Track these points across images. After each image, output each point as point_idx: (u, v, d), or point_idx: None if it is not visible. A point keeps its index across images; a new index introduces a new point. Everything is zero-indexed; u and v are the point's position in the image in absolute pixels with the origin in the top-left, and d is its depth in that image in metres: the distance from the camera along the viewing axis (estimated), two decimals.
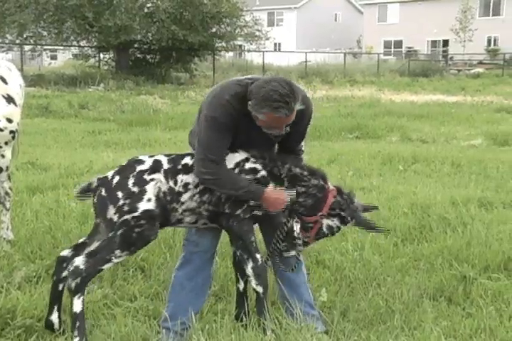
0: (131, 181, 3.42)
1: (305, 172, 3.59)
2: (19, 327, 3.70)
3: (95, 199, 3.51)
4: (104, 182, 3.48)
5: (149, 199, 3.40)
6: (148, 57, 30.86)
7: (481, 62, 45.58)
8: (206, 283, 3.87)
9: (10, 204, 5.43)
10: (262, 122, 3.41)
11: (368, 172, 8.83)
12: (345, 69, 37.09)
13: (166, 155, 3.58)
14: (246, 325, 3.54)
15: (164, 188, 3.44)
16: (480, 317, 3.85)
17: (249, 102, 3.38)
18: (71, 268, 3.42)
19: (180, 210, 3.49)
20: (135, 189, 3.40)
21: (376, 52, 47.56)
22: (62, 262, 3.58)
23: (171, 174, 3.48)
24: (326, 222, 3.59)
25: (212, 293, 4.26)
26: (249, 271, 3.53)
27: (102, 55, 30.48)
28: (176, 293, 3.75)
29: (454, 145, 12.18)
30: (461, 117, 16.51)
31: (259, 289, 3.52)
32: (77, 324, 3.37)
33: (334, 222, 3.61)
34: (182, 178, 3.48)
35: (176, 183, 3.47)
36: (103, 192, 3.45)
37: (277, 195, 3.47)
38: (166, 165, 3.50)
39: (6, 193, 5.38)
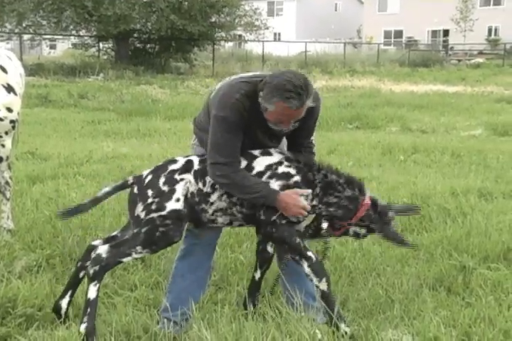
0: (162, 180, 3.42)
1: (341, 181, 3.51)
2: (20, 316, 3.71)
3: (128, 197, 3.53)
4: (138, 180, 3.51)
5: (178, 199, 3.38)
6: (147, 46, 30.77)
7: (481, 52, 45.47)
8: (207, 274, 3.88)
9: (10, 193, 5.43)
10: (270, 114, 3.34)
11: (368, 162, 8.83)
12: (345, 60, 36.99)
13: (198, 156, 3.55)
14: (246, 314, 3.54)
15: (192, 189, 3.42)
16: (479, 307, 3.86)
17: (261, 93, 3.33)
18: (93, 255, 3.45)
19: (210, 211, 3.46)
20: (165, 188, 3.40)
21: (376, 42, 47.44)
22: (91, 251, 3.58)
23: (201, 175, 3.45)
24: (353, 228, 3.58)
25: (212, 283, 4.27)
26: (307, 270, 3.45)
27: (101, 45, 30.38)
28: (177, 283, 3.75)
29: (453, 135, 12.18)
30: (461, 107, 16.49)
31: (323, 286, 3.43)
32: (88, 310, 3.38)
33: (361, 231, 3.59)
34: (209, 179, 3.44)
35: (204, 184, 3.44)
36: (135, 190, 3.48)
37: (292, 200, 3.36)
38: (196, 166, 3.47)
39: (6, 183, 5.38)
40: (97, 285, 3.40)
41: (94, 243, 3.65)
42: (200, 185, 3.44)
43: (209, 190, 3.44)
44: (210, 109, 3.49)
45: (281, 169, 3.45)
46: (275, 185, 3.42)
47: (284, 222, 3.44)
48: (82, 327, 3.36)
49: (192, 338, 3.31)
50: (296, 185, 3.43)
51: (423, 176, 7.76)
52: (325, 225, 3.53)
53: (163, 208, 3.36)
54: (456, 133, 12.47)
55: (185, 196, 3.40)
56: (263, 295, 3.94)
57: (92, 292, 3.39)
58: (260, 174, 3.43)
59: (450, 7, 46.68)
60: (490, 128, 12.79)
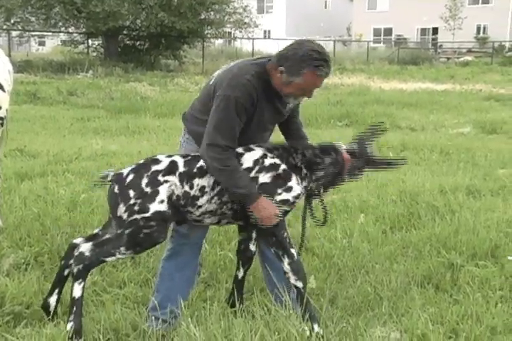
0: (144, 181, 3.33)
1: (316, 151, 3.52)
2: (8, 313, 3.70)
3: (108, 195, 3.45)
4: (118, 178, 3.40)
5: (162, 201, 3.31)
6: (137, 43, 30.63)
7: (470, 51, 45.62)
8: (194, 272, 3.87)
9: None
10: (294, 87, 3.30)
11: None
12: (334, 57, 36.92)
13: (182, 157, 3.45)
14: (235, 311, 3.55)
15: (178, 192, 3.34)
16: (467, 304, 3.88)
17: (281, 68, 3.29)
18: (76, 254, 3.43)
19: (197, 213, 3.41)
20: (148, 189, 3.31)
21: (366, 40, 47.50)
22: (73, 249, 3.56)
23: (187, 177, 3.36)
24: (347, 178, 3.64)
25: (201, 280, 4.27)
26: (286, 267, 3.45)
27: (90, 42, 30.25)
28: (165, 283, 3.73)
29: (442, 133, 12.23)
30: (449, 105, 16.56)
31: (299, 284, 3.45)
32: (74, 309, 3.37)
33: (355, 175, 3.67)
34: (198, 182, 3.36)
35: (191, 187, 3.36)
36: (116, 189, 3.37)
37: (267, 206, 3.34)
38: (181, 168, 3.38)
39: None
40: (82, 283, 3.37)
41: (76, 241, 3.62)
42: (187, 187, 3.35)
43: (197, 193, 3.36)
44: (213, 95, 3.40)
45: (267, 161, 3.43)
46: (266, 177, 3.40)
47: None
48: (69, 325, 3.35)
49: (181, 335, 3.30)
50: (285, 172, 3.43)
51: (412, 174, 7.79)
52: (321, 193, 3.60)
53: (147, 209, 3.29)
54: (445, 131, 12.52)
55: (170, 198, 3.32)
56: (252, 293, 3.94)
57: (77, 290, 3.37)
58: (249, 170, 3.41)
59: (439, 5, 46.80)
60: (478, 126, 12.85)
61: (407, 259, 4.77)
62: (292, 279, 3.46)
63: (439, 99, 17.78)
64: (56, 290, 3.65)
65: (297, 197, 3.47)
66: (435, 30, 52.97)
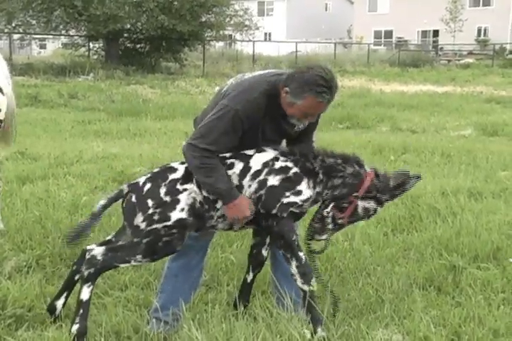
0: (163, 190, 3.35)
1: (339, 161, 3.50)
2: (9, 316, 3.70)
3: (124, 204, 3.45)
4: (134, 188, 3.41)
5: (182, 209, 3.32)
6: (138, 46, 30.65)
7: (470, 53, 45.67)
8: (200, 275, 3.87)
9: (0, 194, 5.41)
10: (296, 109, 3.36)
11: None
12: (335, 60, 37.00)
13: None
14: (237, 314, 3.54)
15: (199, 198, 3.37)
16: (469, 306, 3.88)
17: (286, 88, 3.33)
18: (88, 257, 3.41)
19: (215, 217, 3.43)
20: (167, 198, 3.33)
21: (366, 43, 47.51)
22: (85, 254, 3.54)
23: None
24: (361, 203, 3.51)
25: (203, 283, 4.26)
26: (293, 269, 3.44)
27: (91, 45, 30.25)
28: (170, 284, 3.73)
29: (443, 135, 12.22)
30: (450, 108, 16.56)
31: (306, 288, 3.44)
32: (81, 311, 3.36)
33: (371, 204, 3.54)
34: None
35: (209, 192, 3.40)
36: (133, 199, 3.38)
37: (240, 207, 3.37)
38: None
39: None
40: (91, 286, 3.37)
41: (89, 247, 3.57)
42: (205, 192, 3.38)
43: (214, 196, 3.40)
44: (220, 98, 3.44)
45: (278, 164, 3.43)
46: (275, 179, 3.40)
47: (284, 215, 3.41)
48: (74, 327, 3.34)
49: (182, 338, 3.30)
50: (296, 175, 3.42)
51: None
52: (330, 206, 3.51)
53: (168, 218, 3.31)
54: (446, 133, 12.51)
55: (192, 205, 3.34)
56: (254, 296, 3.94)
57: (85, 293, 3.36)
58: (258, 172, 3.41)
59: (440, 7, 46.85)
60: (479, 129, 12.85)
61: (408, 262, 4.76)
62: (299, 282, 3.45)
63: (440, 102, 17.79)
64: (64, 294, 3.65)
65: (306, 200, 3.45)
66: (436, 33, 53.02)
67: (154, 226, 3.31)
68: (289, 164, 3.45)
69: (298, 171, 3.44)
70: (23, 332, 3.58)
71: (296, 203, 3.42)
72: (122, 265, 3.43)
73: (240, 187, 3.41)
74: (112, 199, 3.48)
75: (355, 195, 3.48)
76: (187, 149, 3.38)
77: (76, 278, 3.60)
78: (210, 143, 3.34)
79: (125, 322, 3.62)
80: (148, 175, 3.46)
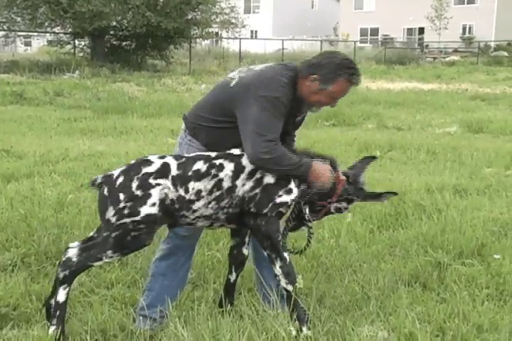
0: (135, 184, 3.26)
1: (316, 158, 3.52)
2: None
3: (98, 197, 3.39)
4: (107, 180, 3.33)
5: (153, 204, 3.25)
6: (123, 44, 30.52)
7: (456, 50, 45.85)
8: (187, 273, 3.87)
9: None
10: (324, 95, 3.42)
11: (345, 159, 8.81)
12: None
13: (175, 158, 3.39)
14: (223, 311, 3.55)
15: (172, 196, 3.28)
16: (454, 302, 3.90)
17: (314, 76, 3.38)
18: (63, 259, 3.38)
19: (192, 217, 3.36)
20: (138, 192, 3.25)
21: (352, 40, 47.59)
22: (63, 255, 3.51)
23: (181, 181, 3.30)
24: (334, 205, 3.59)
25: (189, 281, 4.26)
26: (277, 270, 3.43)
27: (77, 42, 30.10)
28: (158, 282, 3.72)
29: (429, 132, 12.28)
30: (436, 105, 16.64)
31: (290, 288, 3.43)
32: (57, 313, 3.33)
33: (342, 205, 3.61)
34: (193, 186, 3.31)
35: (187, 191, 3.31)
36: (105, 192, 3.31)
37: (324, 167, 3.44)
38: (174, 171, 3.32)
39: None
40: (67, 288, 3.34)
41: (72, 245, 3.53)
42: (182, 191, 3.30)
43: (193, 197, 3.31)
44: (237, 98, 3.40)
45: None
46: (270, 177, 3.37)
47: (274, 214, 3.40)
48: (51, 329, 3.32)
49: (168, 336, 3.30)
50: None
51: (399, 173, 7.82)
52: (306, 210, 3.53)
53: (137, 213, 3.23)
54: (432, 131, 12.57)
55: (163, 201, 3.27)
56: (239, 293, 3.94)
57: (61, 295, 3.33)
58: (253, 172, 3.37)
59: (425, 5, 47.00)
60: (465, 126, 12.92)
61: (394, 258, 4.79)
62: (283, 282, 3.45)
63: (426, 99, 17.87)
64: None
65: (294, 199, 3.46)
66: (421, 30, 53.18)
67: (124, 220, 3.24)
68: None
69: None
70: (8, 330, 3.56)
71: (286, 203, 3.42)
72: (96, 263, 3.37)
73: (233, 188, 3.35)
74: (92, 183, 3.39)
75: (328, 200, 3.53)
76: (257, 147, 3.28)
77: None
78: (271, 133, 3.31)
79: (111, 320, 3.61)
80: (123, 168, 3.38)
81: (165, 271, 3.72)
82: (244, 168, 3.38)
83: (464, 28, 51.61)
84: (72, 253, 3.38)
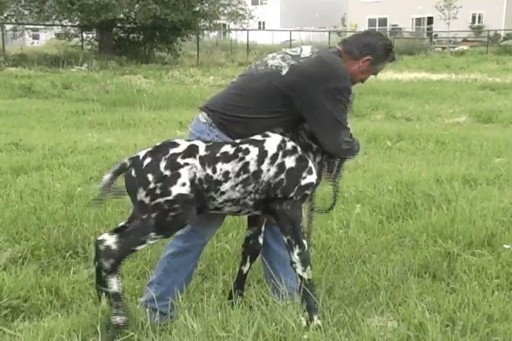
0: (162, 164, 3.21)
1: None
2: (5, 307, 3.70)
3: (125, 179, 3.31)
4: (134, 162, 3.28)
5: (183, 184, 3.20)
6: (131, 36, 30.55)
7: (465, 40, 45.62)
8: (195, 267, 3.86)
9: None
10: (368, 74, 3.68)
11: None
12: None
13: (204, 142, 3.37)
14: (233, 303, 3.55)
15: (200, 175, 3.24)
16: (464, 293, 3.89)
17: (368, 57, 3.55)
18: (102, 248, 3.26)
19: (220, 200, 3.32)
20: (167, 172, 3.20)
21: (361, 30, 47.35)
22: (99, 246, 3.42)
23: (209, 161, 3.27)
24: None
25: (198, 272, 4.27)
26: (295, 257, 3.42)
27: (84, 35, 30.16)
28: (169, 278, 3.68)
29: (438, 122, 12.23)
30: (445, 95, 16.57)
31: (306, 275, 3.43)
32: (118, 303, 3.26)
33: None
34: (221, 166, 3.28)
35: (214, 171, 3.27)
36: (133, 173, 3.25)
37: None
38: (202, 152, 3.29)
39: None
40: (116, 276, 3.24)
41: (100, 238, 3.41)
42: (209, 171, 3.27)
43: (220, 177, 3.28)
44: (293, 86, 3.39)
45: (288, 145, 3.41)
46: (291, 161, 3.37)
47: (299, 198, 3.41)
48: (118, 319, 3.26)
49: (178, 327, 3.30)
50: (302, 153, 3.43)
51: (408, 164, 7.79)
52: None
53: (169, 193, 3.19)
54: (441, 121, 12.52)
55: (192, 181, 3.23)
56: (249, 284, 3.95)
57: (114, 284, 3.24)
58: (275, 156, 3.36)
59: None
60: (474, 115, 12.86)
61: (403, 249, 4.77)
62: (299, 270, 3.43)
63: (435, 89, 17.79)
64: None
65: (316, 178, 3.48)
66: (430, 20, 52.88)
67: (158, 200, 3.19)
68: (294, 143, 3.44)
69: (299, 149, 3.44)
70: (19, 322, 3.59)
71: (312, 183, 3.43)
72: (139, 247, 3.30)
73: (258, 172, 3.33)
74: (116, 172, 3.32)
75: None
76: (337, 138, 3.46)
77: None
78: (346, 124, 3.53)
79: None
80: (149, 149, 3.32)
81: (178, 267, 3.68)
82: (266, 152, 3.37)
83: (474, 17, 51.26)
84: (111, 241, 3.27)
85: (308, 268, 3.45)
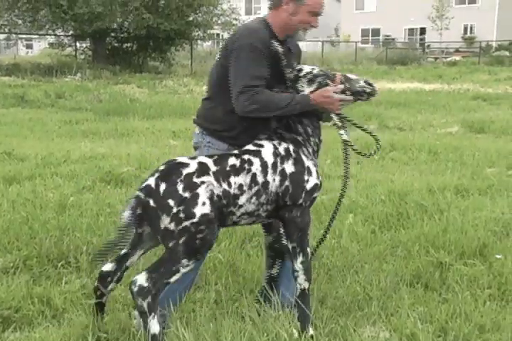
0: (180, 186, 3.17)
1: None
2: None
3: (142, 211, 3.20)
4: (149, 191, 3.18)
5: (204, 203, 3.16)
6: (125, 46, 30.57)
7: (457, 50, 45.84)
8: (194, 277, 3.83)
9: None
10: (304, 13, 3.50)
11: None
12: (323, 58, 37.06)
13: (208, 157, 3.35)
14: (226, 312, 3.54)
15: (217, 191, 3.22)
16: (456, 303, 3.90)
17: None
18: (135, 289, 3.15)
19: (238, 213, 3.32)
20: (186, 194, 3.15)
21: (354, 41, 47.61)
22: (106, 277, 3.40)
23: (222, 176, 3.26)
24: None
25: None
26: (298, 266, 3.43)
27: (78, 44, 30.17)
28: (172, 286, 3.67)
29: (430, 132, 12.26)
30: (437, 105, 16.62)
31: (306, 285, 3.44)
32: None
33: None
34: (235, 180, 3.28)
35: (229, 185, 3.27)
36: (151, 203, 3.17)
37: (325, 93, 3.49)
38: (213, 167, 3.27)
39: None
40: (155, 316, 3.14)
41: (106, 269, 3.39)
42: (225, 186, 3.25)
43: (237, 191, 3.28)
44: (226, 49, 3.50)
45: (280, 149, 3.44)
46: (290, 165, 3.41)
47: (308, 204, 3.44)
48: None
49: (170, 337, 3.30)
50: (295, 152, 3.46)
51: (400, 173, 7.81)
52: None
53: (193, 215, 3.14)
54: (433, 131, 12.55)
55: (211, 199, 3.19)
56: (241, 294, 3.94)
57: (155, 326, 3.13)
58: (274, 164, 3.39)
59: (426, 5, 46.96)
60: (466, 126, 12.90)
61: (396, 259, 4.78)
62: (301, 278, 3.44)
63: (427, 99, 17.84)
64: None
65: (318, 176, 3.50)
66: (423, 30, 53.19)
67: (184, 224, 3.14)
68: (285, 144, 3.46)
69: (292, 147, 3.47)
70: (10, 333, 3.57)
71: (316, 185, 3.45)
72: (174, 278, 3.19)
73: (266, 184, 3.35)
74: (135, 208, 3.21)
75: None
76: (239, 100, 3.37)
77: (104, 300, 3.47)
78: (249, 79, 3.35)
79: (114, 322, 3.61)
80: (157, 175, 3.24)
81: (176, 289, 3.63)
82: (266, 163, 3.39)
83: (466, 28, 51.59)
84: (142, 279, 3.16)
85: (310, 277, 3.46)
